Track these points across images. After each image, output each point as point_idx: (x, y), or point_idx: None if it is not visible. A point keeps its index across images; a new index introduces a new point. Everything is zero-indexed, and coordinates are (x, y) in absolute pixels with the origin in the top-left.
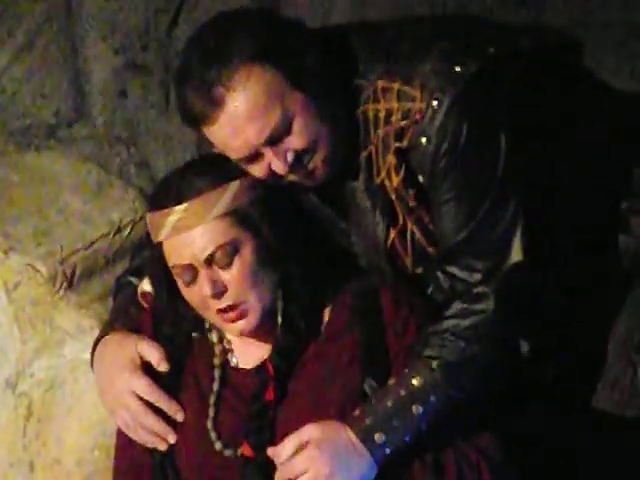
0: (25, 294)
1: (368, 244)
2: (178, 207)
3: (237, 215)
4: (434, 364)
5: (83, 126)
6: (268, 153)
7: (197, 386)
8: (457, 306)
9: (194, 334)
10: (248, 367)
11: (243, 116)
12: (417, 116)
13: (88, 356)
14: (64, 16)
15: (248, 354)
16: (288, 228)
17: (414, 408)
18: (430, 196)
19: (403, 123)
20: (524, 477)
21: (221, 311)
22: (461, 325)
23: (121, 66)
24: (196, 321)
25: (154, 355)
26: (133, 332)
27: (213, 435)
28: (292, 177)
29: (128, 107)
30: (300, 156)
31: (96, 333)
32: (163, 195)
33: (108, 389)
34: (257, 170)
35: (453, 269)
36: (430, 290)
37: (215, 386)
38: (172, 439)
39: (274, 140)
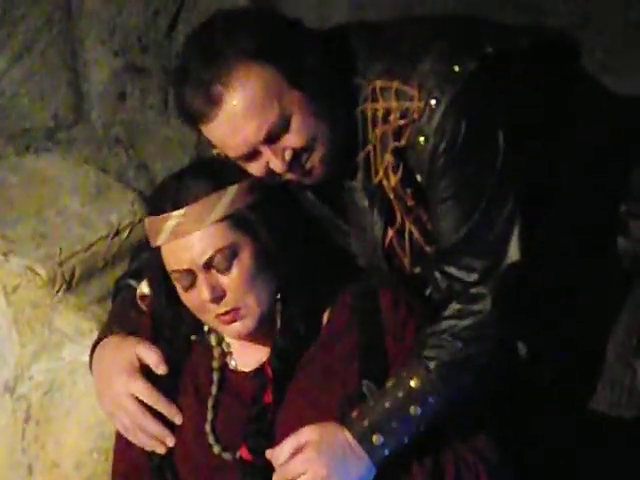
0: (24, 296)
1: (366, 244)
2: (176, 212)
3: (235, 219)
4: (431, 365)
5: (82, 128)
6: (266, 151)
7: (196, 389)
8: (454, 307)
9: (193, 337)
10: (247, 370)
11: (241, 114)
12: (415, 115)
13: (87, 359)
14: (63, 19)
15: (247, 357)
16: (286, 231)
17: (412, 409)
18: (428, 195)
19: (401, 122)
20: (523, 478)
21: (220, 315)
22: (458, 326)
23: (120, 68)
24: (195, 324)
25: (152, 358)
26: (132, 335)
27: (211, 438)
28: (290, 176)
29: (127, 109)
30: (298, 155)
31: (95, 335)
32: (161, 200)
33: (107, 392)
34: (255, 168)
35: (451, 269)
36: (428, 291)
37: (214, 389)
38: (170, 442)
39: (272, 138)
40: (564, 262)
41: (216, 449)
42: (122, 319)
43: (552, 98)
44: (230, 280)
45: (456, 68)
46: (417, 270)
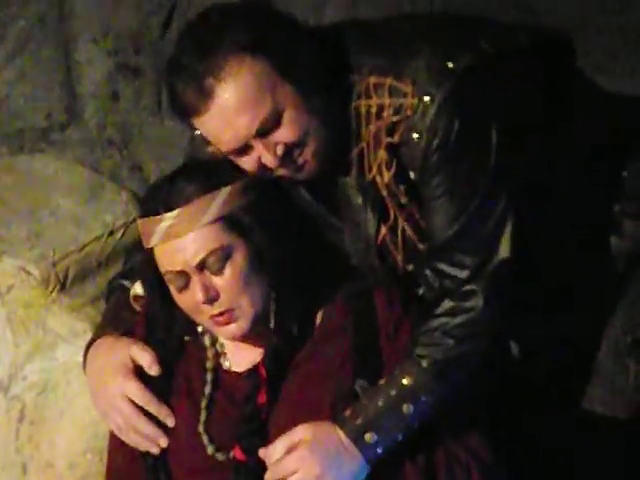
0: (18, 297)
1: (359, 241)
2: (169, 214)
3: (228, 221)
4: (424, 363)
5: (75, 129)
6: (258, 146)
7: (189, 390)
8: (446, 304)
9: (186, 338)
10: (240, 370)
11: (233, 107)
12: (409, 112)
13: (81, 359)
14: (56, 19)
15: (240, 357)
16: (280, 232)
17: (405, 407)
18: (421, 192)
19: (395, 118)
20: (516, 478)
21: (214, 316)
22: (450, 323)
23: (113, 69)
24: (188, 325)
25: (145, 359)
26: (125, 335)
27: (205, 439)
28: (282, 171)
29: (120, 110)
30: (290, 149)
31: (89, 336)
32: (154, 201)
33: (100, 392)
34: (247, 163)
35: (442, 265)
36: (422, 290)
37: (207, 390)
38: (164, 442)
39: (264, 132)
40: (559, 260)
41: (210, 449)
42: (116, 320)
43: (549, 96)
44: (224, 281)
45: (450, 65)
46: (410, 268)
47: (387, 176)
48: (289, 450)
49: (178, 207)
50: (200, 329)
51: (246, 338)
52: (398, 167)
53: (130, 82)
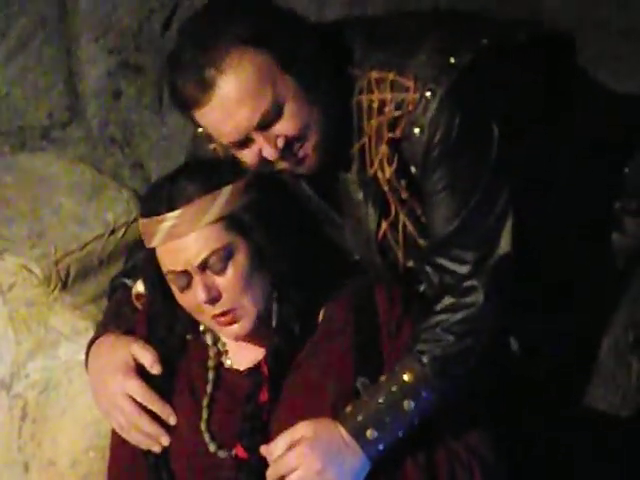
0: (20, 295)
1: (360, 236)
2: (171, 214)
3: (230, 220)
4: (425, 359)
5: (77, 127)
6: (259, 138)
7: (191, 388)
8: (447, 301)
9: (188, 336)
10: (242, 368)
11: (234, 99)
12: (410, 107)
13: (83, 357)
14: (58, 17)
15: (242, 355)
16: (281, 231)
17: (405, 403)
18: (422, 187)
19: (396, 113)
20: (517, 476)
21: (216, 316)
22: (451, 320)
23: (115, 67)
24: (190, 323)
25: (147, 357)
26: (127, 334)
27: (207, 437)
28: (283, 164)
29: (122, 108)
30: (291, 142)
31: (91, 334)
32: (155, 201)
33: (102, 391)
34: (248, 156)
35: (442, 261)
36: (423, 288)
37: (209, 388)
38: (166, 441)
39: (265, 125)
40: (560, 257)
41: (212, 447)
42: (117, 318)
43: (549, 92)
44: (226, 281)
45: (452, 60)
46: (410, 264)
47: (388, 171)
48: (290, 447)
49: (180, 207)
50: (202, 328)
51: (248, 337)
52: (399, 162)
53: (132, 80)
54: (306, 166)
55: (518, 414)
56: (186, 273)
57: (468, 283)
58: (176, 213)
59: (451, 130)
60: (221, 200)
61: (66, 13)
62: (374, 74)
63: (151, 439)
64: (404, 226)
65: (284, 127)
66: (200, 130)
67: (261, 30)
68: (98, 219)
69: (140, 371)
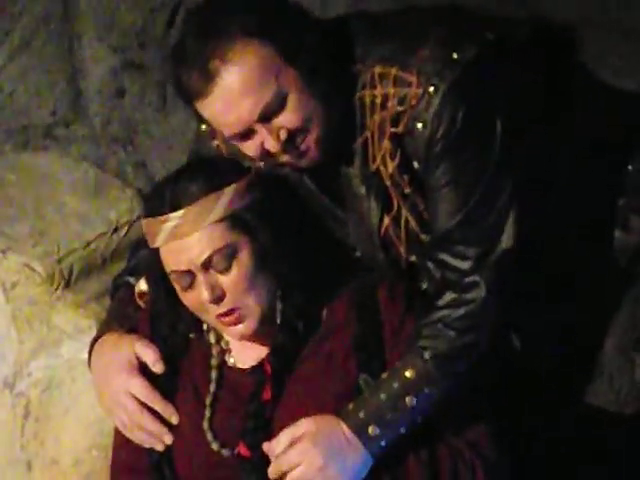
0: (22, 294)
1: (363, 232)
2: (174, 214)
3: (233, 219)
4: (426, 355)
5: (80, 126)
6: (261, 130)
7: (194, 387)
8: (448, 296)
9: (191, 335)
10: (245, 367)
11: (237, 90)
12: (413, 102)
13: (86, 356)
14: (61, 15)
15: (245, 354)
16: (285, 230)
17: (408, 400)
18: (425, 182)
19: (399, 108)
20: (519, 472)
21: (220, 315)
22: (452, 315)
23: (118, 65)
24: (193, 322)
25: (150, 356)
26: (130, 332)
27: (209, 435)
28: (285, 157)
29: (125, 106)
30: (293, 135)
31: (94, 333)
32: (158, 201)
33: (105, 389)
34: (250, 148)
35: (444, 256)
36: (425, 285)
37: (212, 387)
38: (168, 440)
39: (267, 116)
40: (563, 254)
41: (214, 446)
42: (120, 316)
43: (550, 88)
44: (229, 280)
45: (455, 55)
46: (413, 259)
47: (391, 166)
48: (292, 443)
49: (183, 207)
50: (205, 326)
51: (252, 335)
52: (402, 157)
53: (135, 79)
54: (308, 159)
55: (520, 409)
56: (190, 272)
57: (470, 279)
58: (179, 213)
59: (454, 125)
60: (224, 200)
61: (69, 11)
62: (377, 69)
63: (154, 438)
64: (406, 221)
65: (286, 119)
66: (204, 127)
67: (265, 22)
68: (101, 217)
69: (143, 370)
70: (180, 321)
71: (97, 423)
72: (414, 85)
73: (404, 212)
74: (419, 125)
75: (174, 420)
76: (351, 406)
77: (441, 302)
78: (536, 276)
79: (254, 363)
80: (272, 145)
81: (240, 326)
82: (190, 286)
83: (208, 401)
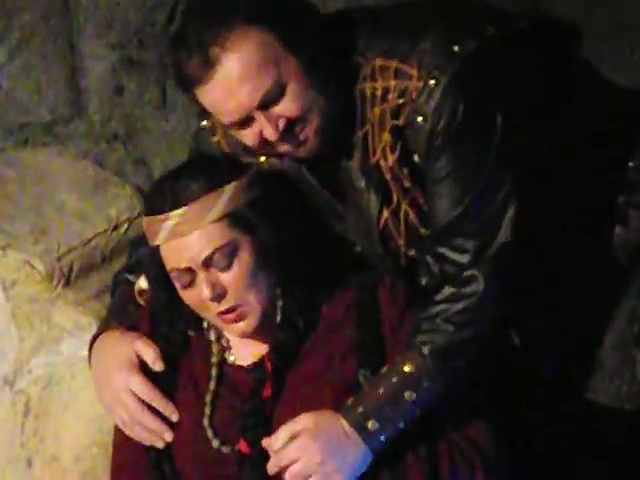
0: (22, 291)
1: (362, 225)
2: (174, 212)
3: (234, 217)
4: (425, 350)
5: (80, 123)
6: (260, 118)
7: (194, 384)
8: (447, 291)
9: (191, 333)
10: (245, 364)
11: (237, 77)
12: (414, 94)
13: (86, 353)
14: (61, 12)
15: (245, 351)
16: (285, 227)
17: (407, 394)
18: (425, 175)
19: (400, 101)
20: (519, 468)
21: (221, 313)
22: (451, 310)
23: (118, 62)
24: (193, 320)
25: (150, 354)
26: (130, 329)
27: (210, 433)
28: (283, 147)
29: (125, 104)
30: (292, 124)
31: (94, 330)
32: (158, 199)
33: (105, 387)
34: (248, 137)
35: (443, 250)
36: (424, 280)
37: (212, 384)
38: (169, 437)
39: (266, 104)
40: (563, 250)
41: (215, 443)
42: (120, 314)
43: (550, 82)
44: (230, 278)
45: (456, 48)
46: (412, 253)
47: (391, 159)
48: (291, 439)
49: (183, 205)
50: (205, 324)
51: (252, 333)
52: (402, 150)
53: (134, 76)
54: (307, 149)
55: (519, 406)
56: (190, 270)
57: (468, 272)
58: (180, 211)
59: (454, 118)
60: (224, 198)
61: (69, 9)
62: (378, 62)
63: (154, 435)
64: (406, 215)
65: (286, 107)
66: (204, 123)
67: (266, 9)
68: (101, 215)
69: (143, 368)
70: (180, 319)
71: (97, 420)
72: (415, 78)
73: (404, 206)
74: (419, 118)
75: (174, 418)
76: (350, 401)
77: (439, 296)
78: (535, 272)
79: (254, 360)
80: (270, 134)
81: (241, 324)
82: (190, 284)
83: (208, 399)
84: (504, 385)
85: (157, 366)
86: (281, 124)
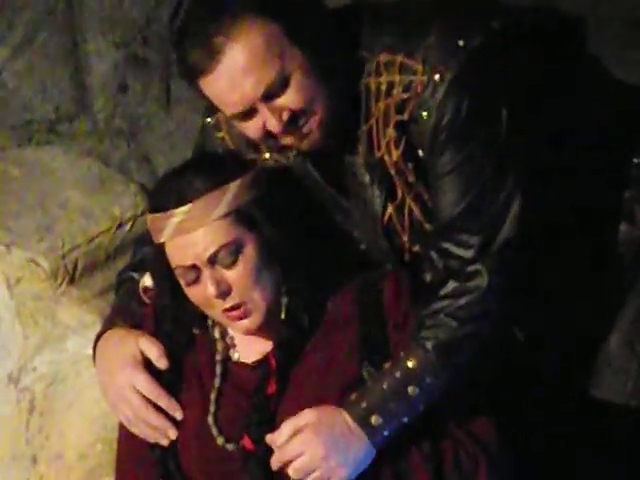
0: (27, 289)
1: (366, 220)
2: (179, 209)
3: (239, 214)
4: (428, 345)
5: (84, 121)
6: (263, 110)
7: (198, 382)
8: (451, 286)
9: (195, 330)
10: (249, 361)
11: (241, 67)
12: (419, 89)
13: (90, 351)
14: (65, 10)
15: (250, 348)
16: (290, 225)
17: (410, 389)
18: (429, 170)
19: (404, 96)
20: (523, 465)
21: (226, 310)
22: (454, 305)
23: (122, 60)
24: (198, 317)
25: (154, 352)
26: (135, 327)
27: (214, 430)
28: (286, 139)
29: (129, 101)
30: (296, 116)
31: (98, 328)
32: (163, 196)
33: (110, 384)
34: (251, 128)
35: (447, 245)
36: (428, 277)
37: (216, 382)
38: (173, 434)
39: (270, 95)
40: (567, 246)
41: (220, 441)
42: (125, 312)
43: (555, 77)
44: (235, 275)
45: (461, 43)
46: (416, 249)
47: (395, 154)
48: (295, 434)
49: (188, 202)
50: (210, 322)
51: (257, 330)
52: (407, 145)
53: (138, 74)
54: (310, 142)
55: (520, 405)
56: (195, 267)
57: (472, 267)
58: (185, 208)
59: (459, 113)
60: (229, 195)
61: (73, 7)
62: (383, 57)
63: (158, 432)
64: (410, 210)
65: (289, 99)
66: (209, 120)
67: (271, 0)
68: (105, 213)
69: (147, 365)
70: (184, 317)
71: (102, 418)
72: (419, 73)
73: (408, 201)
74: (424, 113)
75: (178, 416)
76: (354, 396)
77: (443, 292)
78: (540, 269)
79: (258, 357)
80: (274, 125)
81: (246, 321)
82: (195, 281)
83: (213, 396)
84: (505, 384)
85: (161, 364)
86: (285, 116)
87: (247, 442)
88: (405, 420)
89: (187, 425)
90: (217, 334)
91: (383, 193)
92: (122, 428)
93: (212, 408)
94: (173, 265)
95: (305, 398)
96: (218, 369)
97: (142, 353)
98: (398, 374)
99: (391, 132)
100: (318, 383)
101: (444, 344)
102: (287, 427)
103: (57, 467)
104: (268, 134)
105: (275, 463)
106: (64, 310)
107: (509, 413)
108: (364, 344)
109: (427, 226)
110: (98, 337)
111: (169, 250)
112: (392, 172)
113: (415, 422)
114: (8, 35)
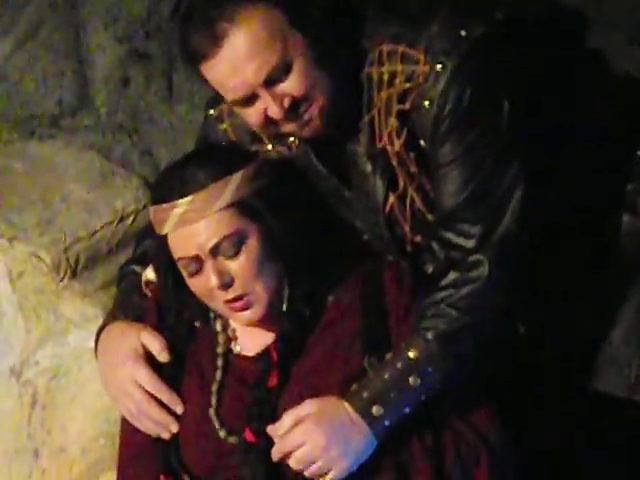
0: (29, 283)
1: (368, 210)
2: (182, 200)
3: (241, 206)
4: (429, 335)
5: (86, 115)
6: (265, 96)
7: (200, 375)
8: (452, 276)
9: (197, 323)
10: (250, 354)
11: (243, 53)
12: (421, 79)
13: (92, 344)
14: (67, 4)
15: (251, 341)
16: (292, 216)
17: (411, 380)
18: (431, 160)
19: (406, 86)
20: (525, 461)
21: (228, 301)
22: (455, 295)
23: (124, 54)
24: (199, 310)
25: (155, 345)
26: (137, 321)
27: (216, 423)
28: (287, 126)
29: (131, 95)
30: (297, 103)
31: (100, 321)
32: (166, 188)
33: (111, 378)
34: (252, 115)
35: (449, 234)
36: (430, 268)
37: (218, 374)
38: (175, 428)
39: (271, 81)
40: (569, 240)
41: (221, 433)
42: (127, 305)
43: (558, 70)
44: (238, 266)
45: (463, 33)
46: (418, 239)
47: (397, 144)
48: (296, 424)
49: (191, 194)
50: (211, 315)
51: (258, 322)
52: (409, 135)
53: (141, 68)
54: (310, 129)
55: (524, 401)
56: (198, 258)
57: (474, 257)
58: (187, 199)
59: (461, 103)
60: (232, 186)
61: (75, 1)
62: (385, 47)
63: (160, 426)
64: (412, 200)
65: (291, 85)
66: (212, 112)
67: None
68: (107, 206)
69: (149, 359)
70: (186, 309)
71: (104, 411)
72: (422, 62)
73: (410, 191)
74: (426, 103)
75: (179, 410)
76: (355, 387)
77: (444, 282)
78: (542, 264)
79: (260, 350)
80: (275, 112)
81: (248, 312)
82: (198, 272)
83: (214, 389)
84: (508, 382)
85: (163, 357)
86: (286, 102)
87: (249, 435)
88: (406, 411)
89: (189, 418)
90: (219, 327)
91: (385, 183)
92: (124, 422)
93: (214, 401)
94: (176, 257)
95: (307, 390)
96: (219, 362)
97: (144, 346)
98: (399, 364)
99: (393, 122)
100: (320, 376)
101: (445, 334)
102: (288, 418)
103: (59, 461)
104: (269, 120)
105: (276, 454)
106: (66, 304)
107: (511, 411)
108: (366, 336)
109: (429, 216)
110: (100, 330)
111: (172, 241)
112: (394, 162)
113: (416, 413)
114: (11, 29)
